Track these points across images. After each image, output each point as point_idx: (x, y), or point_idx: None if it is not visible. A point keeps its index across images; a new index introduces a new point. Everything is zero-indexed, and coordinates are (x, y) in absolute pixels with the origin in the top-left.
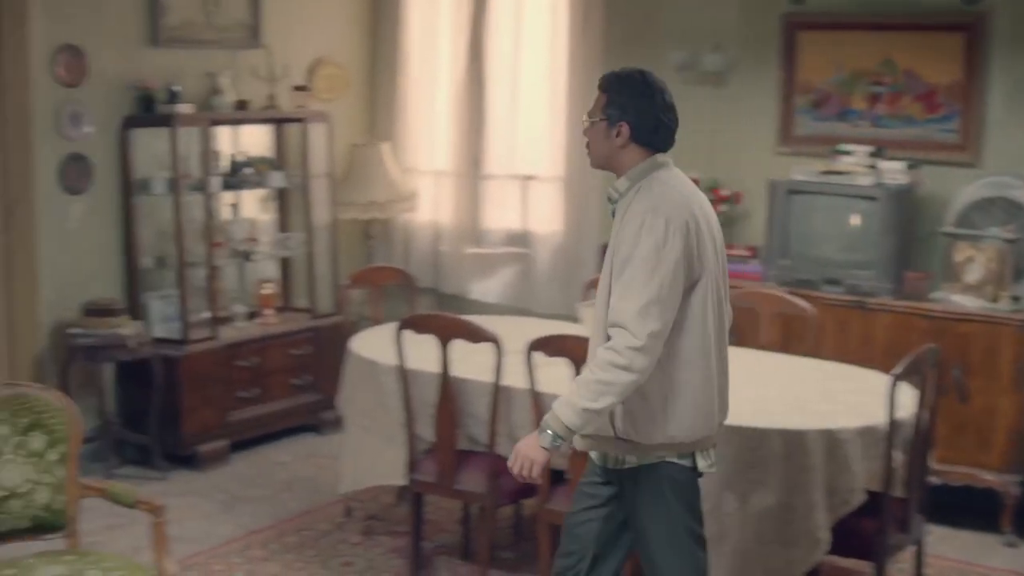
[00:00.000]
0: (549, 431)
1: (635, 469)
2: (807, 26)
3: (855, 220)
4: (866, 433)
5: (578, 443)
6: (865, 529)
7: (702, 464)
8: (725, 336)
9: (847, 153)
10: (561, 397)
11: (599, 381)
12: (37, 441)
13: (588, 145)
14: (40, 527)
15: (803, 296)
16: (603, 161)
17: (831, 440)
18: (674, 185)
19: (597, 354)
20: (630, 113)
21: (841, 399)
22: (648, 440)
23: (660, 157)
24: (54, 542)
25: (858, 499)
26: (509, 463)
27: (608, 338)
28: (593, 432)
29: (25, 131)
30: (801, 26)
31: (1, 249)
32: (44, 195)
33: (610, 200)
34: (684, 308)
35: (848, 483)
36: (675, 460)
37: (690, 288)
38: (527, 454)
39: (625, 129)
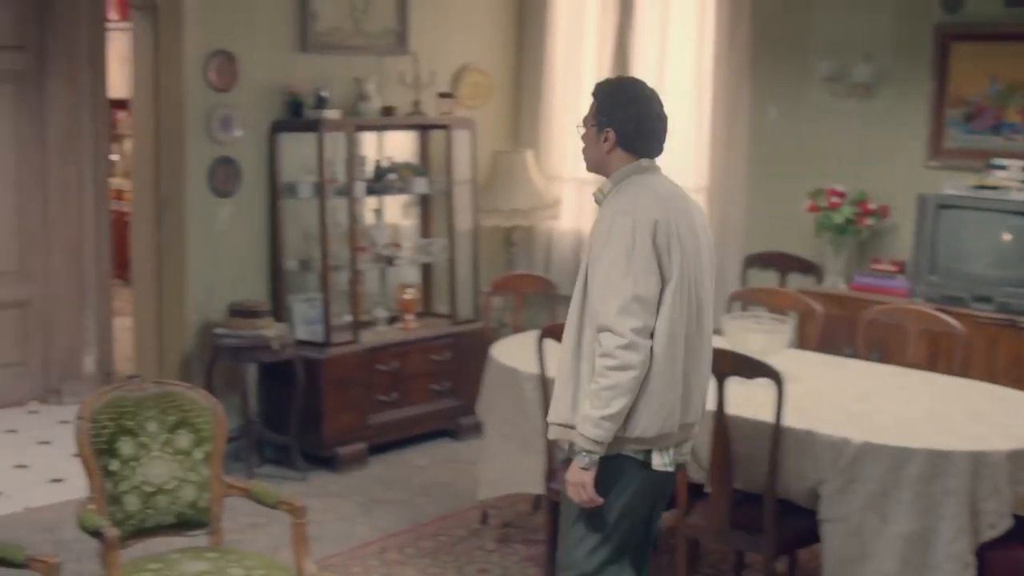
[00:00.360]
0: (582, 452)
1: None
2: (961, 36)
3: (1007, 236)
4: (1016, 456)
5: (550, 432)
6: (1013, 556)
7: (657, 461)
8: (704, 339)
9: (1001, 167)
10: (580, 414)
11: (604, 388)
12: (184, 439)
13: (583, 149)
14: (184, 523)
15: (951, 313)
16: (594, 165)
17: (979, 462)
18: (651, 189)
19: (596, 364)
20: (616, 120)
21: (990, 420)
22: (617, 433)
23: (644, 162)
24: (197, 539)
25: (1005, 524)
26: (570, 495)
27: (580, 330)
28: (562, 422)
29: (178, 134)
30: (955, 36)
31: (152, 250)
32: (194, 197)
33: (596, 201)
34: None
35: (996, 507)
36: (629, 455)
37: (659, 292)
38: (575, 480)
39: (611, 135)
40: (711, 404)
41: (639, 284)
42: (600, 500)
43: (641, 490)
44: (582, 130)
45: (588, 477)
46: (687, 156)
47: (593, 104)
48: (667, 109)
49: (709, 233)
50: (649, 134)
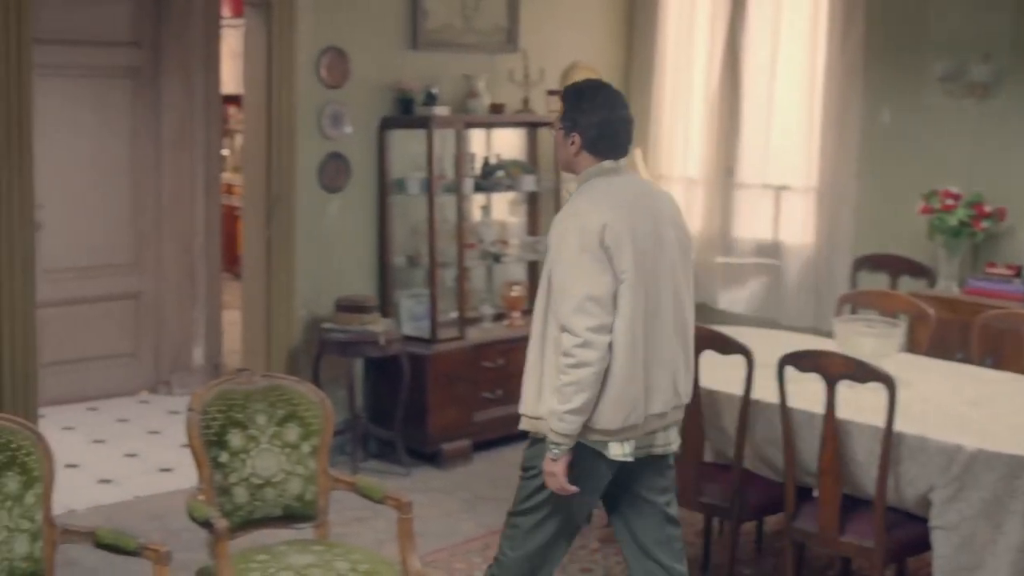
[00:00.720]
0: (552, 446)
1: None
2: None
3: None
4: None
5: (521, 423)
6: None
7: (615, 451)
8: (666, 330)
9: None
10: (547, 408)
11: (566, 384)
12: (292, 432)
13: (555, 150)
14: (291, 516)
15: None
16: (564, 165)
17: None
18: (609, 190)
19: (558, 362)
20: (580, 125)
21: None
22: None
23: (608, 164)
24: (303, 531)
25: None
26: (548, 485)
27: (544, 324)
28: (530, 413)
29: (289, 130)
30: None
31: (262, 244)
32: (304, 192)
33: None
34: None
35: None
36: (586, 443)
37: (616, 282)
38: (548, 471)
39: (577, 139)
40: (821, 408)
41: (592, 284)
42: (573, 489)
43: (594, 476)
44: (554, 132)
45: (559, 468)
46: (797, 157)
47: (562, 107)
48: (638, 109)
49: (683, 225)
50: (612, 138)
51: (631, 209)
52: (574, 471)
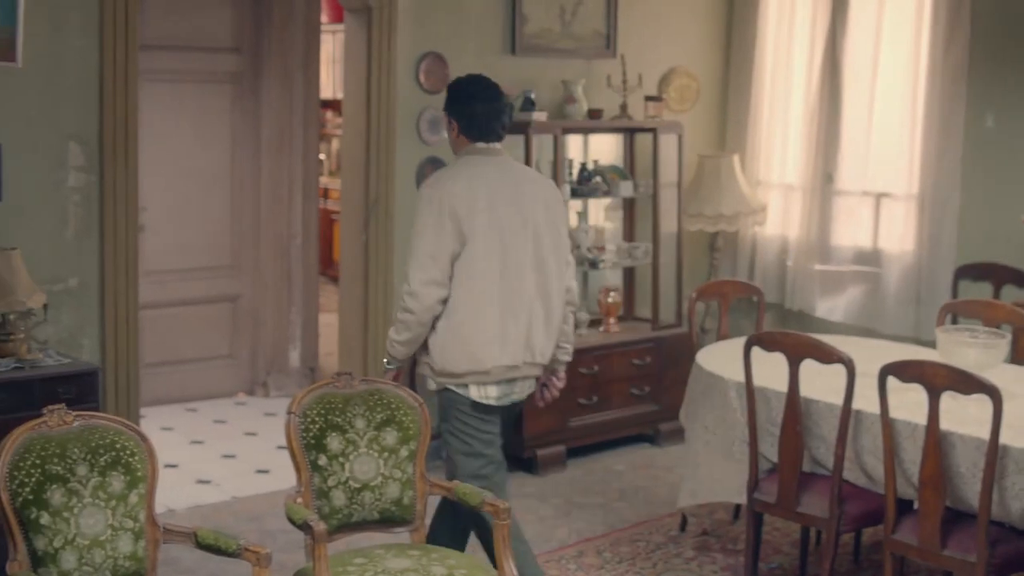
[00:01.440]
0: (385, 360)
1: (437, 391)
2: None
3: None
4: None
5: (420, 368)
6: None
7: (475, 393)
8: (520, 295)
9: None
10: (388, 335)
11: (398, 321)
12: (390, 436)
13: (447, 136)
14: (388, 520)
15: None
16: (452, 148)
17: None
18: (472, 167)
19: None
20: (455, 113)
21: None
22: (437, 367)
23: (480, 145)
24: (400, 536)
25: None
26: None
27: None
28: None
29: (387, 135)
30: None
31: (359, 248)
32: (401, 196)
33: None
34: (460, 266)
35: None
36: (453, 388)
37: (461, 250)
38: (386, 379)
39: (455, 125)
40: (923, 419)
41: (432, 244)
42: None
43: (468, 414)
44: (445, 120)
45: (389, 376)
46: (899, 163)
47: (446, 99)
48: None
49: (555, 207)
50: (481, 124)
51: (492, 186)
52: (452, 416)
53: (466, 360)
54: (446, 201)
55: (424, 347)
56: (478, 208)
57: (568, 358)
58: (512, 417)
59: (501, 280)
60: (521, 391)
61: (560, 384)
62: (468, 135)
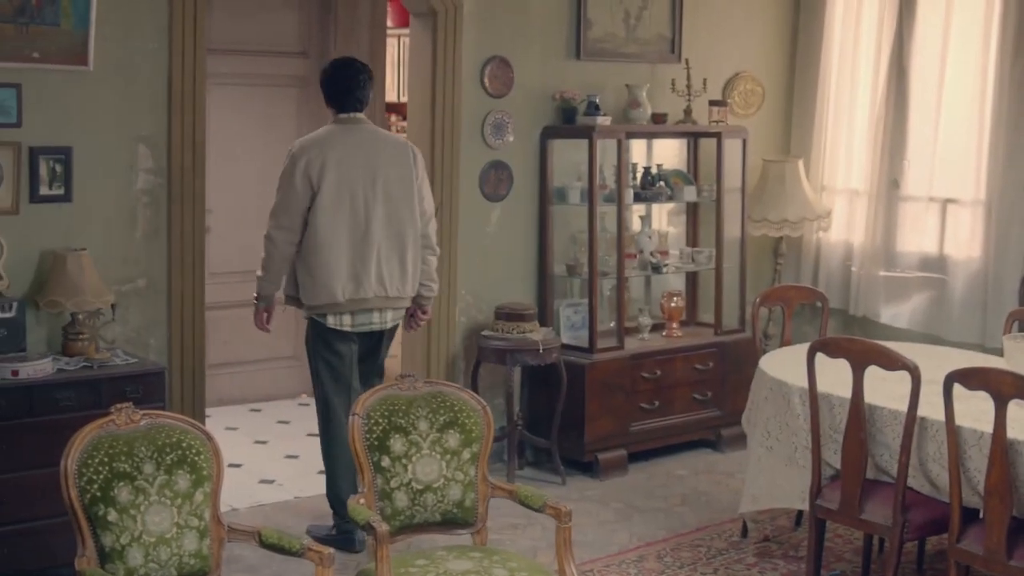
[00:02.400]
0: (254, 296)
1: (307, 320)
2: None
3: None
4: None
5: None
6: None
7: (331, 321)
8: (370, 240)
9: None
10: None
11: (261, 260)
12: (453, 439)
13: None
14: (450, 522)
15: None
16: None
17: None
18: (332, 134)
19: None
20: (322, 87)
21: None
22: (303, 301)
23: (342, 116)
24: (461, 537)
25: None
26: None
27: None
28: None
29: (452, 138)
30: None
31: None
32: (466, 200)
33: None
34: (313, 215)
35: None
36: (316, 318)
37: (312, 200)
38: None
39: (324, 97)
40: (989, 427)
41: (284, 197)
42: (265, 328)
43: (331, 341)
44: None
45: (258, 315)
46: (965, 168)
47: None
48: None
49: (404, 164)
50: (340, 97)
51: (347, 148)
52: (315, 340)
53: (323, 294)
54: (301, 160)
55: (295, 283)
56: (328, 167)
57: (432, 294)
58: (377, 345)
59: (351, 227)
60: (381, 321)
61: (425, 317)
62: (332, 105)
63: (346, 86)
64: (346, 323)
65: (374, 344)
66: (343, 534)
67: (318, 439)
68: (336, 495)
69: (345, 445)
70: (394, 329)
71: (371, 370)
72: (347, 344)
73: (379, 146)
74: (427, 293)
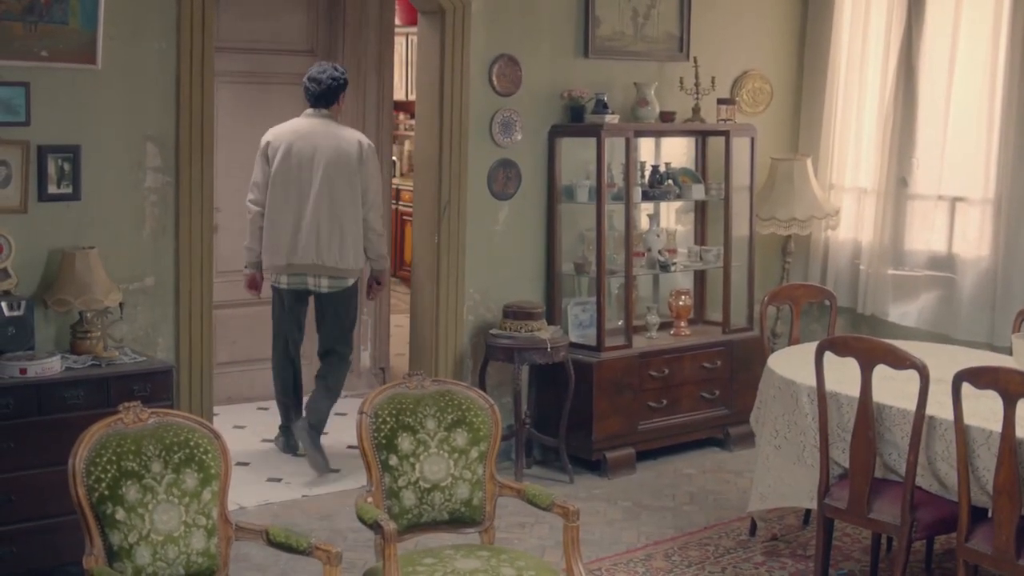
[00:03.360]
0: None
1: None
2: None
3: None
4: None
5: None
6: None
7: (281, 281)
8: (310, 213)
9: None
10: None
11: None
12: (461, 437)
13: None
14: (458, 520)
15: None
16: None
17: None
18: (295, 124)
19: None
20: (304, 86)
21: None
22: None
23: (309, 111)
24: (469, 536)
25: None
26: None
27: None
28: None
29: (460, 137)
30: None
31: (431, 249)
32: (474, 199)
33: None
34: (268, 190)
35: None
36: (271, 279)
37: (268, 175)
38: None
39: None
40: (998, 426)
41: (255, 174)
42: (254, 292)
43: (279, 300)
44: None
45: (245, 278)
46: (974, 167)
47: None
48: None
49: (351, 155)
50: (310, 96)
51: (302, 135)
52: (273, 298)
53: (267, 256)
54: (264, 144)
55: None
56: (281, 150)
57: (382, 266)
58: (324, 309)
59: (294, 202)
60: (316, 285)
61: (380, 288)
62: (307, 101)
63: (315, 88)
64: (283, 282)
65: (321, 308)
66: (284, 435)
67: (325, 438)
68: (277, 400)
69: (275, 367)
70: (339, 296)
71: (328, 334)
72: (289, 303)
73: (330, 139)
74: (378, 266)
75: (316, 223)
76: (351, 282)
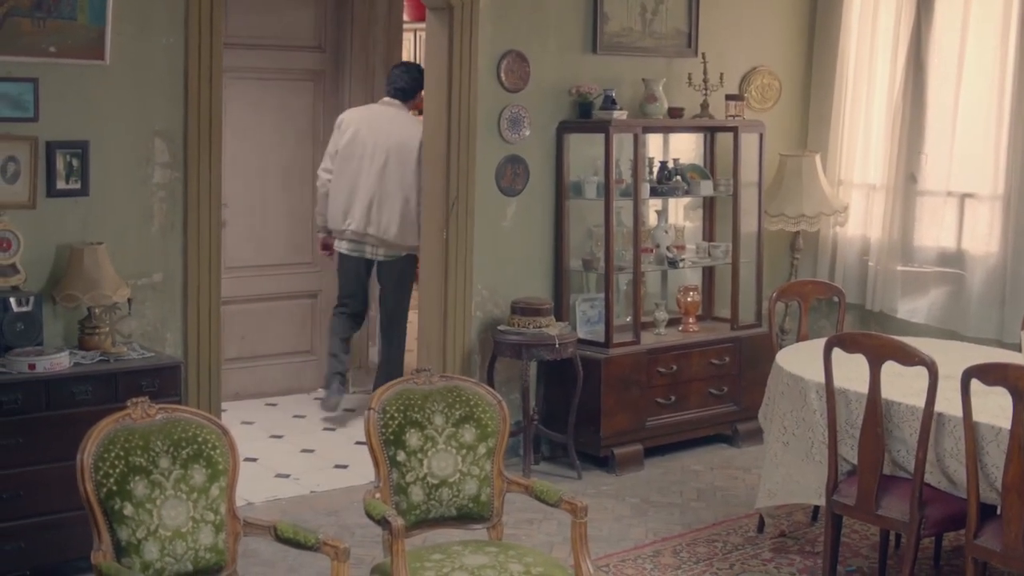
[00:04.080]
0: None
1: None
2: None
3: None
4: None
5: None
6: None
7: (338, 245)
8: (365, 186)
9: None
10: None
11: None
12: (469, 433)
13: None
14: (465, 516)
15: None
16: None
17: None
18: (369, 110)
19: None
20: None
21: None
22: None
23: (385, 99)
24: (477, 532)
25: None
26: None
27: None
28: None
29: (468, 133)
30: None
31: (440, 246)
32: (482, 195)
33: None
34: (335, 163)
35: None
36: (336, 243)
37: (337, 151)
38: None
39: None
40: (1007, 423)
41: (330, 146)
42: (325, 252)
43: (340, 262)
44: None
45: (319, 240)
46: (984, 163)
47: None
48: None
49: (407, 143)
50: (387, 87)
51: (370, 120)
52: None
53: (332, 221)
54: (338, 124)
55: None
56: (349, 130)
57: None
58: (382, 279)
59: (356, 175)
60: (374, 254)
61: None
62: (386, 89)
63: (393, 81)
64: (344, 247)
65: (379, 274)
66: (328, 385)
67: (333, 434)
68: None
69: (331, 320)
70: (393, 265)
71: (386, 297)
72: (349, 267)
73: (394, 126)
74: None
75: (372, 196)
76: (404, 253)
